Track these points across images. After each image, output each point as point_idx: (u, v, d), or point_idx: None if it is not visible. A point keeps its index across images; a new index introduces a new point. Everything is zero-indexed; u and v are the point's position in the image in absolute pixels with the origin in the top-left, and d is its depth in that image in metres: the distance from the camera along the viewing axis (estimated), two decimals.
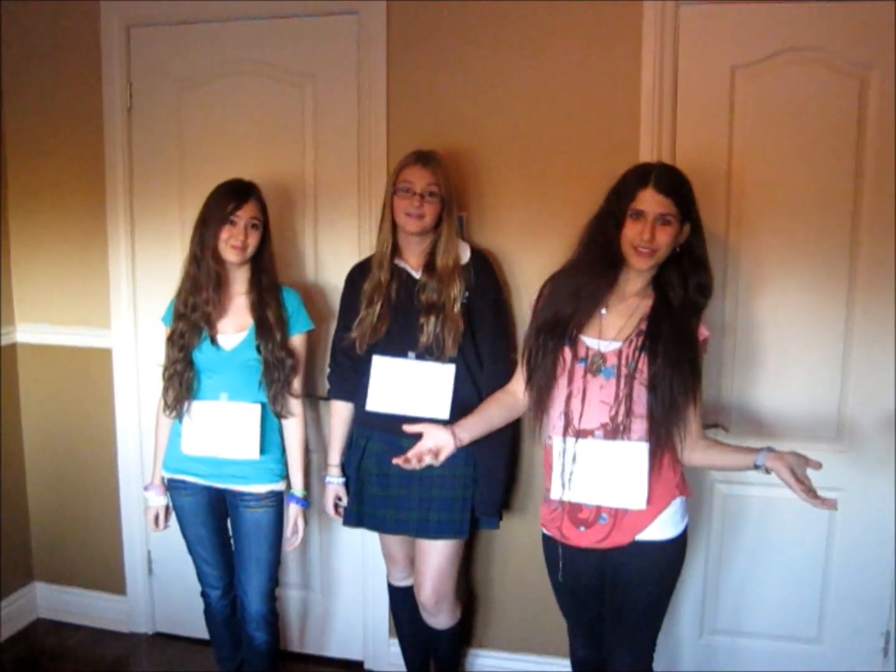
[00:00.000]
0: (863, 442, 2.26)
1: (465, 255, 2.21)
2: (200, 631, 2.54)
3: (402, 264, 2.20)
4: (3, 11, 2.70)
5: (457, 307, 2.12)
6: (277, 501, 2.24)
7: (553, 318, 1.85)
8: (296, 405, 2.24)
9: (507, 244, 2.40)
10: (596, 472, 1.80)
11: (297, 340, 2.25)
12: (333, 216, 2.54)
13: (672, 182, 1.77)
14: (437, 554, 2.21)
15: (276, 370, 2.16)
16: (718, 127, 2.23)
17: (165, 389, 2.19)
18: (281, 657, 2.49)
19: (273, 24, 2.50)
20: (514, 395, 2.00)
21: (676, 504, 1.85)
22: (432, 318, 2.12)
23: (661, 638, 1.99)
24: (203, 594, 2.37)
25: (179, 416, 2.20)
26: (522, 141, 2.36)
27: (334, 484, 2.30)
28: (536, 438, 1.95)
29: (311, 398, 2.53)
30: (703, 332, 1.87)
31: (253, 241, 2.14)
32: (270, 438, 2.22)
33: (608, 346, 1.81)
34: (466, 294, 2.15)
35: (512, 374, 2.06)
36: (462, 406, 2.09)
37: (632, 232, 1.76)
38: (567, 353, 1.83)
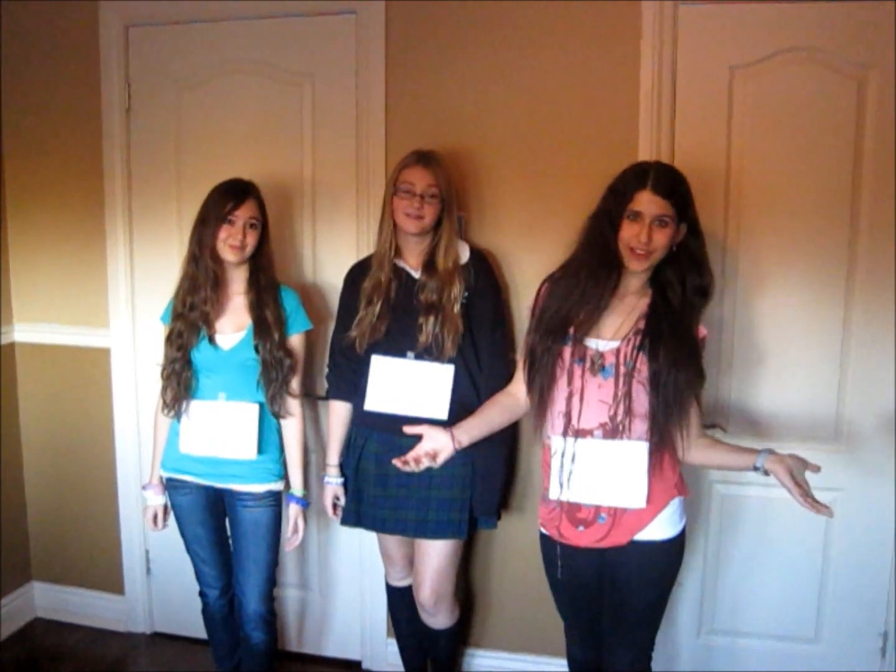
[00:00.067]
0: (861, 442, 2.26)
1: (465, 256, 2.20)
2: (198, 631, 2.54)
3: (401, 264, 2.20)
4: (2, 11, 2.69)
5: (456, 307, 2.12)
6: (276, 501, 2.24)
7: (552, 318, 1.85)
8: (294, 405, 2.24)
9: (507, 244, 2.39)
10: (595, 471, 1.80)
11: (296, 340, 2.25)
12: (332, 216, 2.54)
13: (670, 183, 1.76)
14: (435, 554, 2.21)
15: (275, 370, 2.16)
16: (717, 127, 2.23)
17: (164, 389, 2.19)
18: (279, 657, 2.49)
19: (272, 24, 2.50)
20: (515, 397, 1.99)
21: (675, 504, 1.86)
22: (431, 319, 2.12)
23: (659, 638, 1.99)
24: (201, 594, 2.37)
25: (178, 416, 2.20)
26: (522, 141, 2.35)
27: (333, 484, 2.30)
28: (538, 439, 1.94)
29: (310, 398, 2.53)
30: (701, 330, 1.86)
31: (251, 240, 2.14)
32: (268, 438, 2.22)
33: (607, 346, 1.81)
34: (466, 294, 2.15)
35: (511, 374, 2.06)
36: (461, 406, 2.09)
37: (629, 233, 1.75)
38: (566, 352, 1.82)
